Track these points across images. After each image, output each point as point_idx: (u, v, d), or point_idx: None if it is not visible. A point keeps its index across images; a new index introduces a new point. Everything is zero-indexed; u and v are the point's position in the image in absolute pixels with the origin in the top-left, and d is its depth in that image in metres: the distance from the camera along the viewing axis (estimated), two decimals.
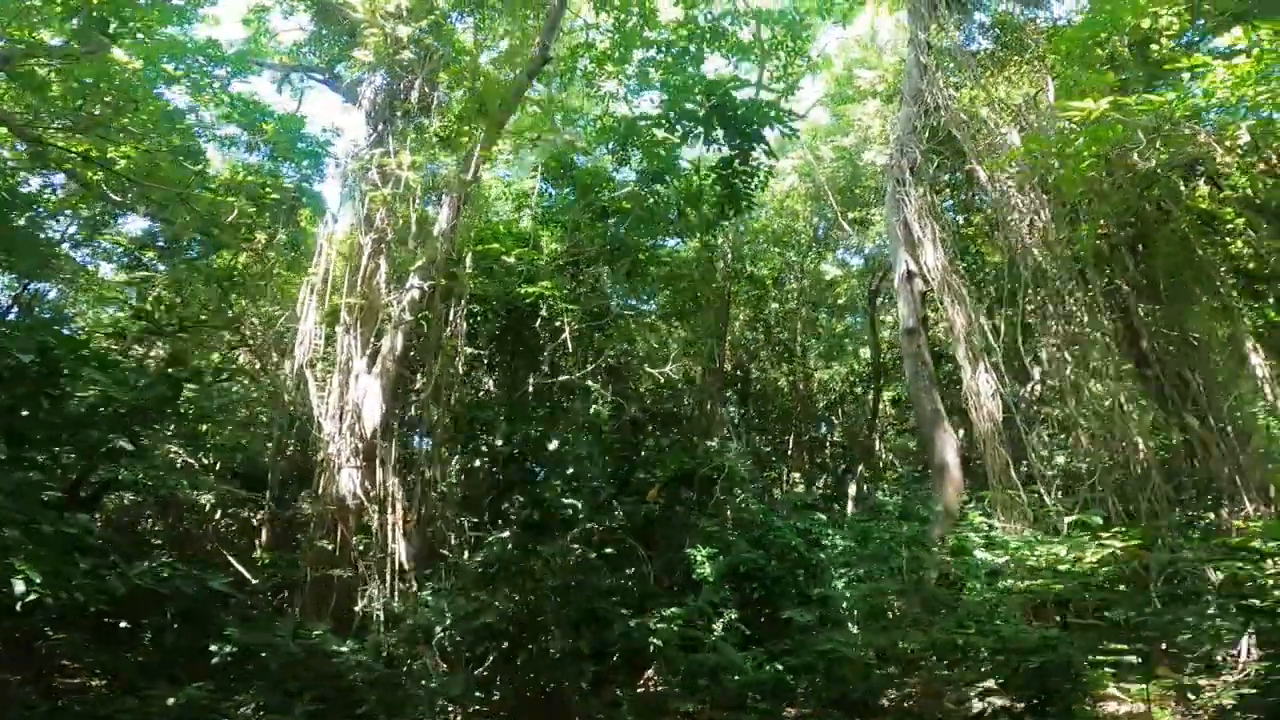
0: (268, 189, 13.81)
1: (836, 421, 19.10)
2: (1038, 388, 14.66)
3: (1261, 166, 8.20)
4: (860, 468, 17.29)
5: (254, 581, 10.97)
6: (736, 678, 7.41)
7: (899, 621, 7.43)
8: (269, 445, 13.82)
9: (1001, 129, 11.50)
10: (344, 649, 8.67)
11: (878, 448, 18.54)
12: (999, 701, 6.86)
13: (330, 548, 10.27)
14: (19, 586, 5.51)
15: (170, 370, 8.72)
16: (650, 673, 10.93)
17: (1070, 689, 6.62)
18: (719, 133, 8.69)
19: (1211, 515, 11.30)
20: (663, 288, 12.95)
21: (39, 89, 10.55)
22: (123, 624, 8.92)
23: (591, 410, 11.92)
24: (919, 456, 18.31)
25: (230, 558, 11.64)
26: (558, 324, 11.05)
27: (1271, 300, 12.67)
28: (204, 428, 12.89)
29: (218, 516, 13.86)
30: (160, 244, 15.07)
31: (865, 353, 18.71)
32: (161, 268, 15.10)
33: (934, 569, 7.74)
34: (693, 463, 11.04)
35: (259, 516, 13.79)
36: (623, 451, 11.49)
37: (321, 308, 11.76)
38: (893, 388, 17.97)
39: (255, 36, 14.20)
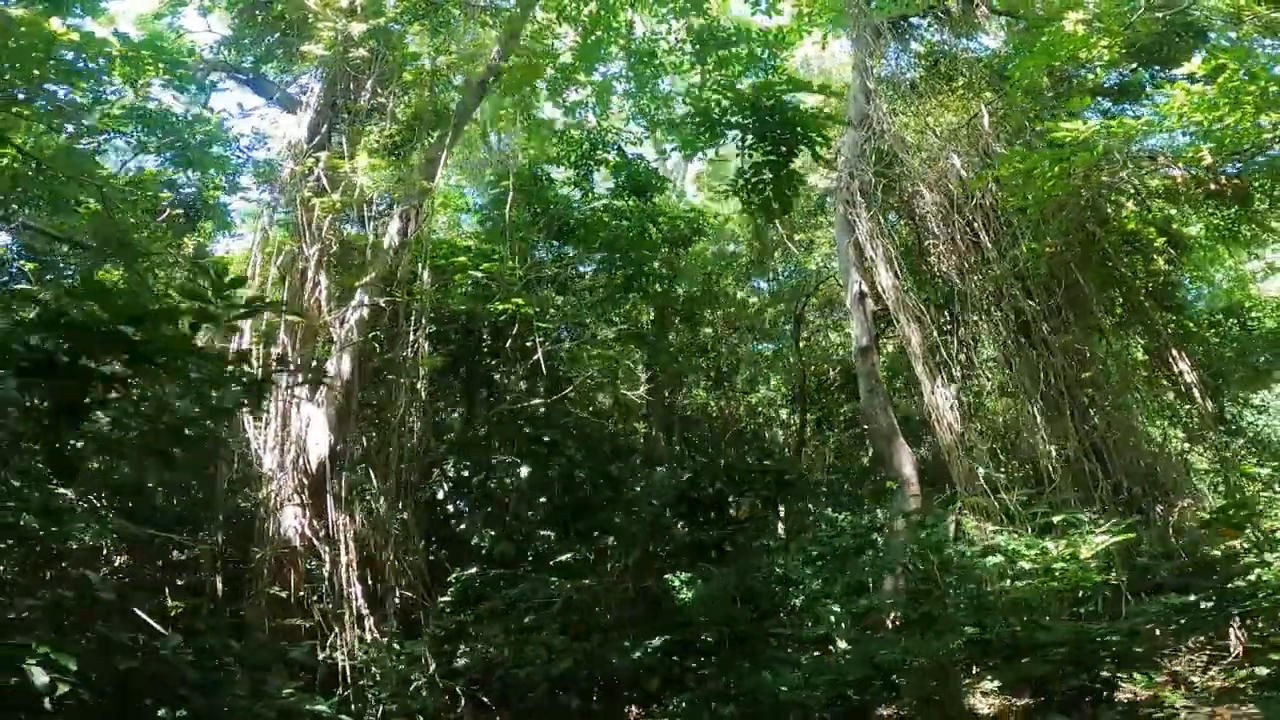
0: (169, 196, 12.36)
1: (764, 444, 19.25)
2: (954, 402, 15.44)
3: (1213, 186, 9.08)
4: (788, 489, 17.46)
5: (168, 635, 9.55)
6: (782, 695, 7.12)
7: (938, 626, 7.41)
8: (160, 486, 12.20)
9: (942, 154, 12.09)
10: (323, 707, 7.67)
11: (804, 469, 18.81)
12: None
13: (284, 595, 9.12)
14: (40, 677, 4.14)
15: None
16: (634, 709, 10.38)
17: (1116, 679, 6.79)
18: (749, 137, 8.57)
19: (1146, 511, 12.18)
20: (645, 308, 12.54)
21: None
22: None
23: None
24: (848, 474, 18.81)
25: (141, 613, 10.11)
26: (528, 344, 10.43)
27: (1164, 317, 14.05)
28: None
29: (117, 563, 12.02)
30: (32, 256, 13.12)
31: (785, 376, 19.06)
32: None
33: (954, 573, 7.81)
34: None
35: (161, 563, 12.15)
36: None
37: (258, 328, 10.56)
38: (815, 410, 18.37)
39: (157, 34, 12.69)
